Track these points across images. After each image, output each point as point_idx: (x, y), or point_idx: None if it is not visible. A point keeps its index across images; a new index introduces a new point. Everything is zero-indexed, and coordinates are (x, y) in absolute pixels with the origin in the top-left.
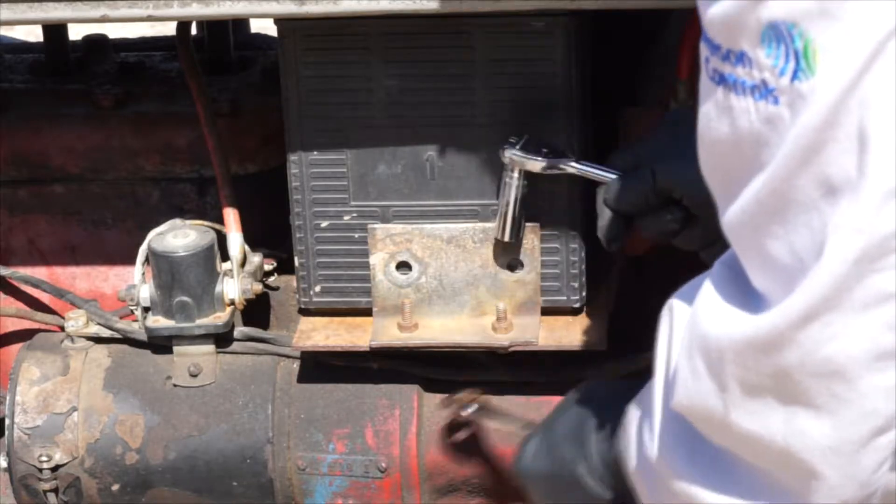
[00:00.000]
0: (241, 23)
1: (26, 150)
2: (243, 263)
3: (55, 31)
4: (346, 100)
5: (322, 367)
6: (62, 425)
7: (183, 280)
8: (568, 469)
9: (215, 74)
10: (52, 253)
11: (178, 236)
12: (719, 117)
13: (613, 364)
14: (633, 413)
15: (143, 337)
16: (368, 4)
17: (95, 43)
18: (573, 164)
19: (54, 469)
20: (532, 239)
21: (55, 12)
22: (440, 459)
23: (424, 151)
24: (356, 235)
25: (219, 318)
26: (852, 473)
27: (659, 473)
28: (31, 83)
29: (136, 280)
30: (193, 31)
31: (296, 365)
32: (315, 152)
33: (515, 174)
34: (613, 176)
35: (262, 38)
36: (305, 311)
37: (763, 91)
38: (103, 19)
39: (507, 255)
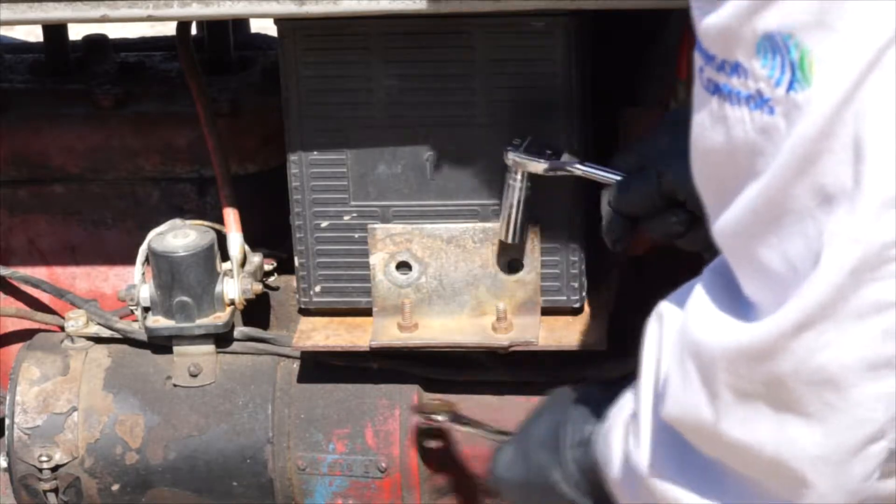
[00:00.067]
0: (241, 23)
1: (26, 150)
2: (243, 263)
3: (55, 31)
4: (346, 100)
5: (322, 367)
6: (62, 425)
7: (183, 280)
8: (543, 476)
9: (215, 74)
10: (52, 253)
11: (178, 236)
12: (714, 126)
13: (613, 364)
14: (612, 419)
15: (143, 337)
16: (368, 4)
17: (95, 43)
18: (577, 165)
19: (54, 469)
20: (532, 239)
21: (55, 12)
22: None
23: (424, 151)
24: (356, 235)
25: (219, 318)
26: (842, 482)
27: (646, 482)
28: (31, 83)
29: (136, 280)
30: (193, 31)
31: (296, 365)
32: (315, 152)
33: (519, 176)
34: (617, 177)
35: (262, 38)
36: (305, 311)
37: (758, 101)
38: (103, 19)
39: (507, 255)
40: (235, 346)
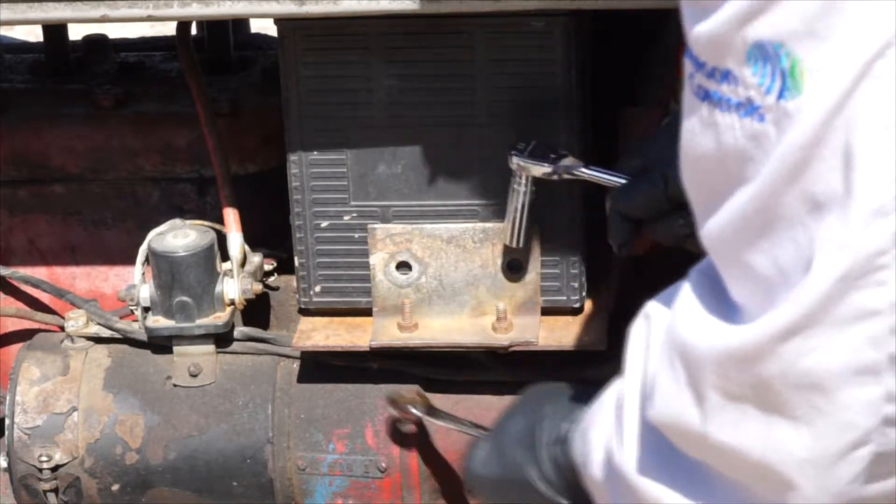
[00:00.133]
0: (241, 23)
1: (26, 150)
2: (243, 263)
3: (55, 31)
4: (346, 100)
5: (322, 367)
6: (62, 425)
7: (183, 280)
8: (518, 473)
9: (215, 74)
10: (52, 253)
11: (178, 236)
12: (703, 132)
13: (613, 364)
14: (591, 417)
15: (143, 337)
16: (368, 4)
17: (95, 43)
18: (582, 169)
19: (54, 469)
20: (532, 239)
21: (55, 12)
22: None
23: (424, 151)
24: (356, 235)
25: (219, 318)
26: (828, 485)
27: (630, 483)
28: (31, 83)
29: (136, 280)
30: (193, 31)
31: (296, 365)
32: (315, 152)
33: (524, 181)
34: (622, 181)
35: (262, 38)
36: (305, 311)
37: (748, 108)
38: (103, 19)
39: (507, 255)
40: (235, 346)
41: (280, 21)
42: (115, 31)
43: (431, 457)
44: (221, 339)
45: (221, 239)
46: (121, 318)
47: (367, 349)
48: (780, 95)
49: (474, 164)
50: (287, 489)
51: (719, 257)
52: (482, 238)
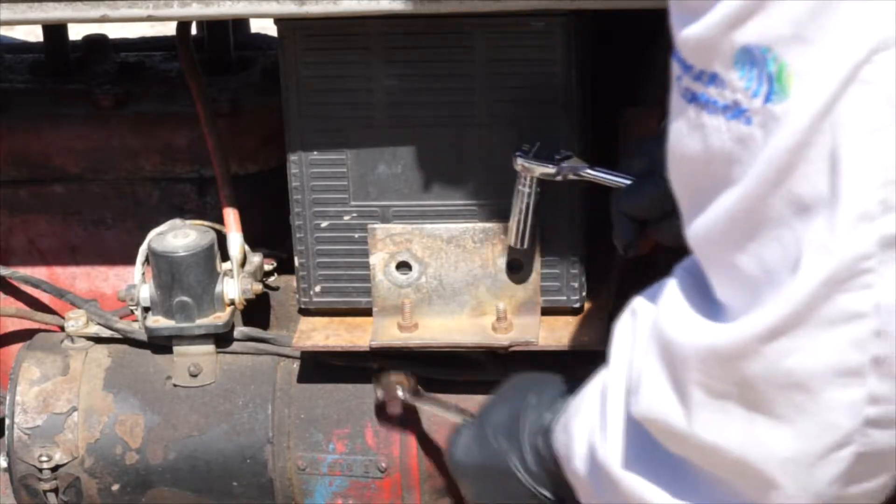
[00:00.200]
0: (241, 23)
1: (26, 150)
2: (243, 263)
3: (55, 31)
4: (346, 100)
5: (322, 367)
6: (62, 425)
7: (183, 280)
8: (500, 461)
9: (215, 74)
10: (52, 253)
11: (178, 236)
12: (691, 134)
13: None
14: (574, 409)
15: (143, 337)
16: (368, 4)
17: (95, 43)
18: (587, 170)
19: (54, 469)
20: (533, 239)
21: (55, 12)
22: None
23: (424, 151)
24: (356, 235)
25: (219, 318)
26: (809, 484)
27: (614, 478)
28: (31, 83)
29: (136, 280)
30: (193, 31)
31: (296, 365)
32: (315, 152)
33: (528, 182)
34: (626, 181)
35: (262, 38)
36: (305, 311)
37: (735, 111)
38: (103, 19)
39: (507, 255)
40: (235, 346)
41: (280, 21)
42: (115, 31)
43: (432, 457)
44: (221, 339)
45: (221, 239)
46: (121, 318)
47: (367, 349)
48: (767, 99)
49: (474, 164)
50: (287, 489)
51: (705, 257)
52: (482, 238)
